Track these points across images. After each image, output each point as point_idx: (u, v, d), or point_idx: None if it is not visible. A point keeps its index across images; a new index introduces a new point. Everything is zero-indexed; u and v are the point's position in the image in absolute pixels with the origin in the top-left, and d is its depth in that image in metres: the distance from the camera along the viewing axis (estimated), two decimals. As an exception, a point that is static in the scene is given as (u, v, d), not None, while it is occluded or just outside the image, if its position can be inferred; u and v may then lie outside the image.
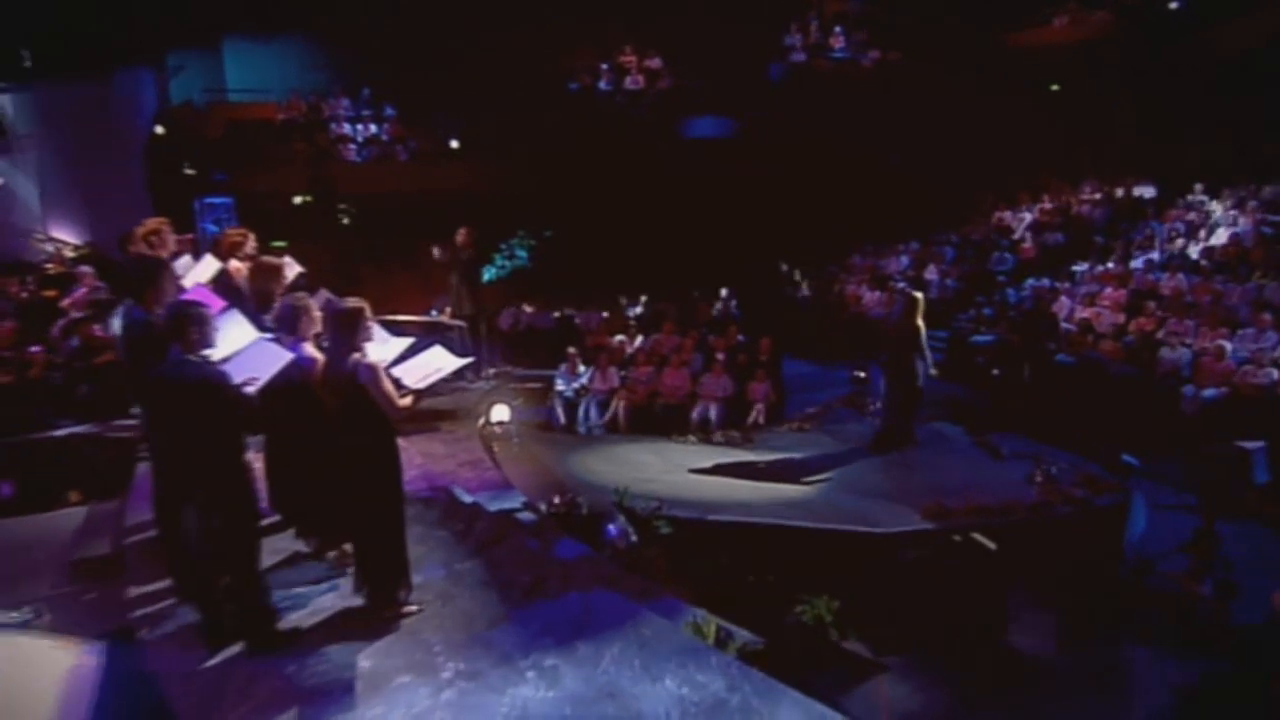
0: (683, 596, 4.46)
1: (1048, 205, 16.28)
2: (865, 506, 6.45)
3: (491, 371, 9.58)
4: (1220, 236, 12.91)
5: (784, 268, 17.01)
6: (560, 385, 10.13)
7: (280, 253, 5.45)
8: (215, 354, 3.64)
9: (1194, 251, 12.75)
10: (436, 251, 9.41)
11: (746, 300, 14.21)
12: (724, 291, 14.10)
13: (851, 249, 17.23)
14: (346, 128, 16.95)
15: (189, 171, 14.16)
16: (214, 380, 3.51)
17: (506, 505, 5.31)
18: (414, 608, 3.98)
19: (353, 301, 3.86)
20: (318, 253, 15.32)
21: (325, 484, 3.97)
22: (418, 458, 5.96)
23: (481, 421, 7.07)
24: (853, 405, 9.31)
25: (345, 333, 3.74)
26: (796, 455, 7.83)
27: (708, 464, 7.52)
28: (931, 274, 15.04)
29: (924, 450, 7.77)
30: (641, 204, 16.27)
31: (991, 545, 5.91)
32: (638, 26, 18.78)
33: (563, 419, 10.01)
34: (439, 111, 17.81)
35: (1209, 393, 9.27)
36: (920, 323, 7.93)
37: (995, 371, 11.24)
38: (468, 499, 5.30)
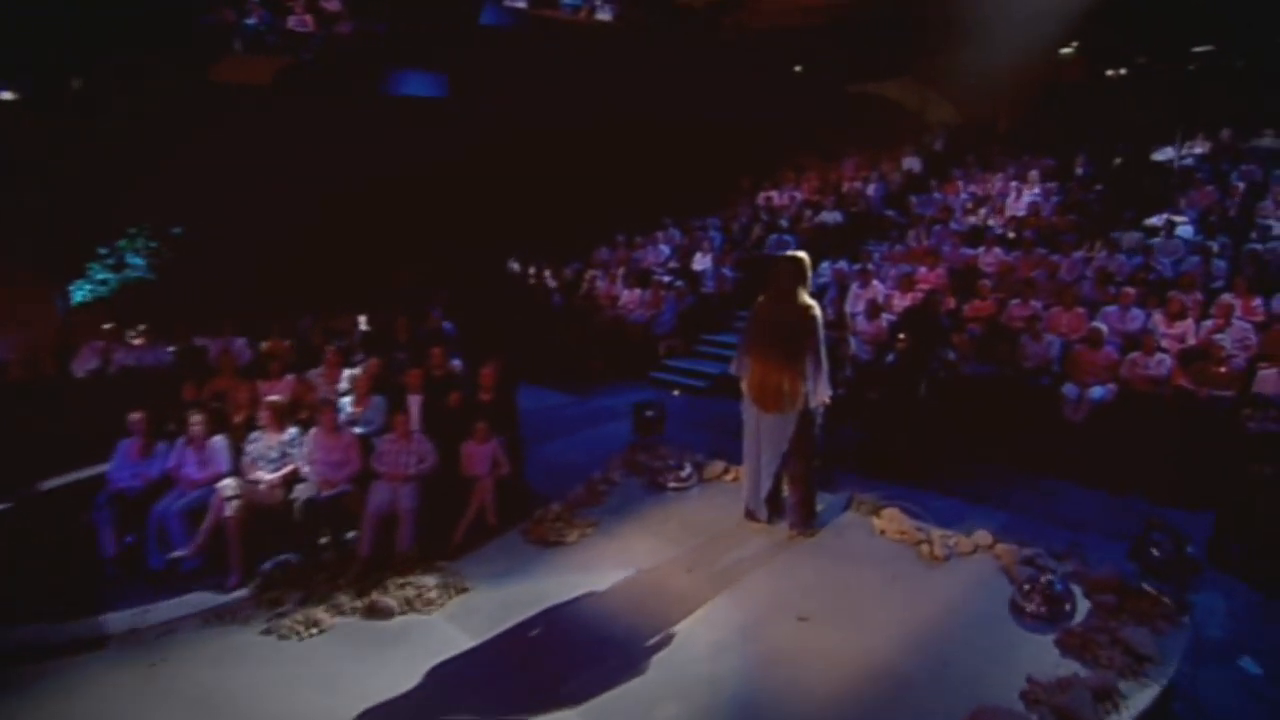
0: None
1: (815, 182, 14.11)
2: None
3: None
4: (1016, 208, 11.22)
5: (514, 264, 13.23)
6: (112, 487, 5.27)
7: None
8: None
9: (995, 224, 10.88)
10: None
11: (466, 311, 10.03)
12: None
13: (598, 239, 13.83)
14: None
15: None
16: None
17: None
18: None
19: None
20: None
21: None
22: None
23: None
24: (639, 470, 5.38)
25: None
26: (566, 610, 3.78)
27: (383, 699, 3.20)
28: (702, 263, 12.00)
29: (809, 557, 4.07)
30: (319, 186, 11.51)
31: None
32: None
33: (112, 550, 5.18)
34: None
35: (1096, 392, 6.89)
36: (811, 303, 4.27)
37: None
38: None
